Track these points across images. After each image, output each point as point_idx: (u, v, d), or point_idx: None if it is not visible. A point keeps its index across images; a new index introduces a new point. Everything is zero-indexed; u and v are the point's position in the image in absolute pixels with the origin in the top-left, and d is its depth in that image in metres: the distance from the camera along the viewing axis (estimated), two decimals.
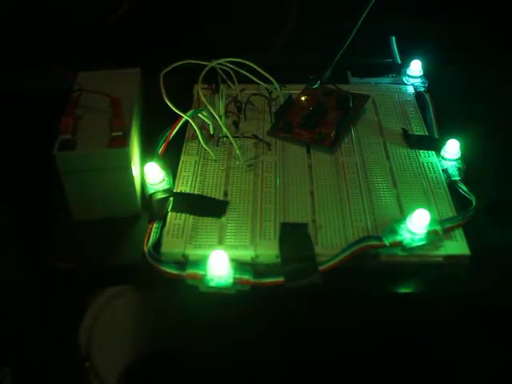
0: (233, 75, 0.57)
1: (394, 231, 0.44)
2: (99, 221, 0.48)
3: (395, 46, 0.68)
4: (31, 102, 0.61)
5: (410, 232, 0.44)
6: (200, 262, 0.43)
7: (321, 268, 0.42)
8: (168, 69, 0.52)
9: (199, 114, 0.53)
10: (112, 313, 0.43)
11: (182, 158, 0.53)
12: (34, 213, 0.49)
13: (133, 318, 0.44)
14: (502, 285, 0.44)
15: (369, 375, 0.40)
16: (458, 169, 0.51)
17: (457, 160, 0.52)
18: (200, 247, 0.44)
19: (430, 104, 0.59)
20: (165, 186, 0.49)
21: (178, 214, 0.47)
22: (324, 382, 0.40)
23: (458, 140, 0.52)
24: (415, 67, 0.63)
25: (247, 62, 0.56)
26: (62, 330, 0.42)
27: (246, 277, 0.42)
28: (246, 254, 0.44)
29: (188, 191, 0.49)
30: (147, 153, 0.52)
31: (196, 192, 0.49)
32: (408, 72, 0.63)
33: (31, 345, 0.41)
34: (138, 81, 0.54)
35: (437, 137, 0.55)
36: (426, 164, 0.52)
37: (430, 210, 0.44)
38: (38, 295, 0.44)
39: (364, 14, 0.60)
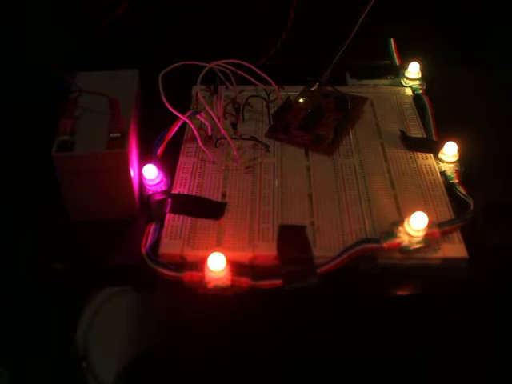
0: (231, 76, 0.57)
1: (391, 234, 0.44)
2: (97, 222, 0.48)
3: (393, 47, 0.68)
4: (29, 102, 0.61)
5: (408, 234, 0.44)
6: (198, 264, 0.43)
7: (319, 270, 0.43)
8: (167, 70, 0.52)
9: (197, 116, 0.53)
10: (109, 313, 0.43)
11: (180, 159, 0.53)
12: (31, 213, 0.49)
13: (130, 318, 0.44)
14: (501, 287, 0.44)
15: (367, 377, 0.40)
16: (456, 171, 0.51)
17: (455, 162, 0.52)
18: (198, 249, 0.44)
19: (427, 106, 0.59)
20: (163, 187, 0.49)
21: (176, 216, 0.47)
22: (322, 381, 0.40)
23: (456, 142, 0.52)
24: (413, 69, 0.63)
25: (246, 64, 0.56)
26: (58, 330, 0.42)
27: (244, 279, 0.42)
28: (244, 255, 0.44)
29: (186, 193, 0.49)
30: (145, 154, 0.52)
31: (194, 193, 0.49)
32: (406, 74, 0.63)
33: (28, 344, 0.41)
34: (136, 82, 0.54)
35: (435, 139, 0.55)
36: (423, 166, 0.52)
37: (427, 212, 0.44)
38: (35, 295, 0.44)
39: (363, 16, 0.60)
